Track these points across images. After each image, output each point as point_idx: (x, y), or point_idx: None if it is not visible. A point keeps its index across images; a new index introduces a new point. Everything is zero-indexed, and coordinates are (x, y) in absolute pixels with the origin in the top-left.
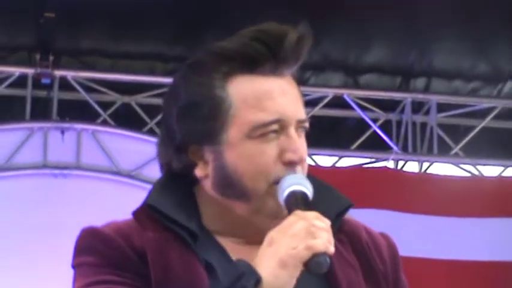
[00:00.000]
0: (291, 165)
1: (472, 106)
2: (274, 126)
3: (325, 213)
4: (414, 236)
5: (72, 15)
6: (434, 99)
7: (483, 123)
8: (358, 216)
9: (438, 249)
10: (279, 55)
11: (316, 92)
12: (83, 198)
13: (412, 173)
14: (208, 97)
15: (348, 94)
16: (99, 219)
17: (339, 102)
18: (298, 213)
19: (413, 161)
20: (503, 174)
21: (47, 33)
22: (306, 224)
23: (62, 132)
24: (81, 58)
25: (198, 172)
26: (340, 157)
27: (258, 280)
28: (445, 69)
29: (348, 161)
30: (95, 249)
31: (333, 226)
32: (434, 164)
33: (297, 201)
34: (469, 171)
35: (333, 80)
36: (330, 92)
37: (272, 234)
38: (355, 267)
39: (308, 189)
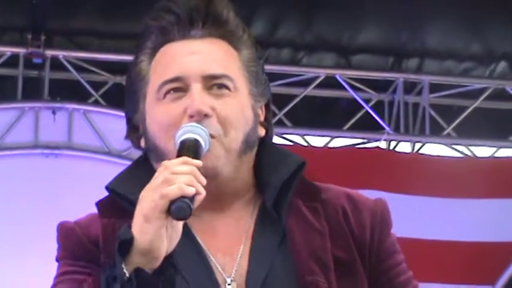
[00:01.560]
0: (193, 120)
1: (464, 86)
2: (176, 84)
3: (278, 175)
4: (406, 217)
5: None
6: (426, 79)
7: (475, 104)
8: None
9: (430, 230)
10: (187, 20)
11: (308, 72)
12: (74, 178)
13: (404, 153)
14: (136, 74)
15: (340, 74)
16: (89, 199)
17: (331, 83)
18: (163, 163)
19: (406, 141)
20: (496, 155)
21: (38, 13)
22: (165, 172)
23: (53, 112)
24: (72, 38)
25: (142, 144)
26: (333, 137)
27: (128, 240)
28: (438, 49)
29: (340, 142)
30: (61, 243)
31: (289, 187)
32: (427, 144)
33: (183, 149)
34: (462, 152)
35: (325, 61)
36: (322, 73)
37: (142, 192)
38: (322, 233)
39: (199, 136)
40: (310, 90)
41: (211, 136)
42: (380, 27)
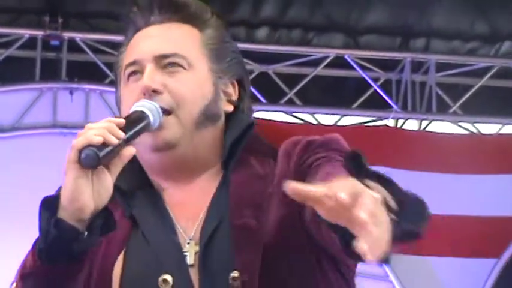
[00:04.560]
0: (145, 97)
1: (470, 65)
2: (134, 67)
3: (230, 136)
4: (413, 191)
5: None
6: (433, 58)
7: (481, 82)
8: None
9: (436, 205)
10: (147, 8)
11: (318, 52)
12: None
13: (412, 131)
14: (117, 62)
15: (349, 54)
16: None
17: (340, 63)
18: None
19: (413, 119)
20: (501, 132)
21: None
22: (83, 130)
23: (71, 92)
24: (89, 20)
25: None
26: (342, 116)
27: (53, 196)
28: (444, 29)
29: (350, 120)
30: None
31: (236, 147)
32: (433, 122)
33: (125, 119)
34: (467, 129)
35: (334, 41)
36: (332, 53)
37: None
38: (264, 178)
39: (144, 107)
40: (319, 70)
41: (165, 110)
42: (387, 8)
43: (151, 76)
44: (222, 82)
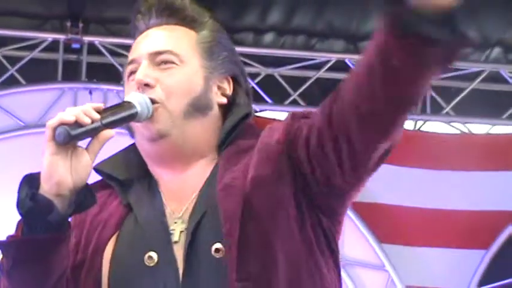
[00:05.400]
0: (139, 91)
1: (462, 70)
2: (132, 66)
3: (228, 123)
4: (409, 188)
5: None
6: None
7: (472, 86)
8: None
9: (430, 200)
10: (147, 13)
11: (320, 57)
12: (109, 151)
13: (408, 130)
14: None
15: (349, 59)
16: None
17: (341, 66)
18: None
19: (409, 119)
20: (490, 132)
21: (77, 3)
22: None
23: (90, 92)
24: (107, 25)
25: None
26: None
27: (32, 174)
28: None
29: None
30: None
31: (231, 134)
32: (428, 122)
33: (112, 106)
34: (459, 129)
35: (335, 46)
36: (333, 57)
37: None
38: (248, 152)
39: (132, 99)
40: (322, 73)
41: (154, 101)
42: None
43: (144, 71)
44: (214, 77)
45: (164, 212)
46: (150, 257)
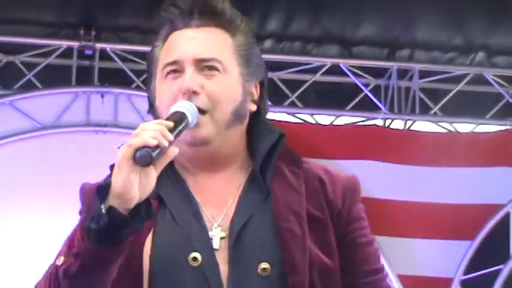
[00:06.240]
0: (185, 96)
1: (448, 73)
2: (174, 66)
3: (264, 144)
4: (398, 182)
5: None
6: (416, 67)
7: (458, 88)
8: (353, 166)
9: (418, 193)
10: (188, 12)
11: (316, 61)
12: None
13: (398, 129)
14: (151, 57)
15: (343, 63)
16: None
17: (336, 70)
18: (140, 124)
19: (399, 119)
20: (475, 131)
21: (89, 12)
22: (137, 129)
23: (102, 95)
24: (118, 33)
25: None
26: (337, 116)
27: (107, 185)
28: (426, 42)
29: (344, 120)
30: (82, 200)
31: (273, 153)
32: (417, 122)
33: (168, 116)
34: (446, 128)
35: (330, 51)
36: (328, 61)
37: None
38: (299, 192)
39: (184, 109)
40: (318, 77)
41: (201, 110)
42: (377, 23)
43: (192, 78)
44: (249, 84)
45: (201, 214)
46: (195, 258)
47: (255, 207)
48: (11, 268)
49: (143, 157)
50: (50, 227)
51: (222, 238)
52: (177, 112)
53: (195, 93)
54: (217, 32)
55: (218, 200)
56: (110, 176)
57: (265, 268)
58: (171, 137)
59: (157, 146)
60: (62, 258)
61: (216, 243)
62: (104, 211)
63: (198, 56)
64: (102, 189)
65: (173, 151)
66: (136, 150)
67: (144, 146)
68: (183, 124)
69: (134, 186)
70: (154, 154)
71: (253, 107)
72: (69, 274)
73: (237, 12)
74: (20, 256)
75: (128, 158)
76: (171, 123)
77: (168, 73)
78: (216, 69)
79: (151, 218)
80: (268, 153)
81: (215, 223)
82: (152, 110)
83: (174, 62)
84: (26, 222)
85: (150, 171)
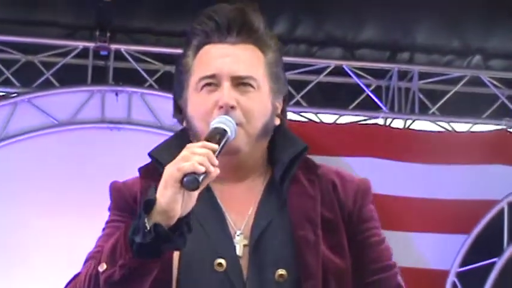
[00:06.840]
0: (222, 110)
1: (446, 75)
2: (211, 80)
3: (287, 155)
4: (398, 179)
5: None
6: (416, 69)
7: (455, 89)
8: (355, 162)
9: (417, 190)
10: (225, 27)
11: (320, 63)
12: (133, 147)
13: (398, 128)
14: (183, 66)
15: (346, 65)
16: (144, 163)
17: (339, 71)
18: (187, 145)
19: (399, 119)
20: (472, 130)
21: (104, 14)
22: (185, 152)
23: (116, 94)
24: (132, 35)
25: (184, 124)
26: (340, 115)
27: (152, 200)
28: (426, 45)
29: (347, 119)
30: (112, 198)
31: (293, 164)
32: (416, 121)
33: (210, 134)
34: (444, 127)
35: (334, 54)
36: (332, 63)
37: (167, 165)
38: (314, 199)
39: (225, 125)
40: (322, 77)
41: (237, 124)
42: (378, 27)
43: (229, 94)
44: (276, 100)
45: (226, 221)
46: (220, 264)
47: (273, 214)
48: (37, 261)
49: (191, 183)
50: (68, 221)
51: (245, 245)
52: (218, 128)
53: (232, 108)
54: (251, 49)
55: (241, 208)
56: (154, 189)
57: (282, 274)
58: (216, 161)
59: (204, 172)
60: (104, 265)
61: (239, 251)
62: (148, 226)
63: (236, 74)
64: (148, 204)
65: (215, 172)
66: (186, 175)
67: (194, 173)
68: (225, 142)
69: (178, 205)
70: (201, 179)
71: (278, 121)
72: (111, 281)
73: (268, 30)
74: (43, 250)
75: (176, 180)
76: (216, 146)
77: (204, 86)
78: (251, 85)
79: (190, 232)
80: (289, 162)
81: (238, 230)
82: (178, 116)
83: (212, 76)
84: (44, 213)
85: (193, 192)
